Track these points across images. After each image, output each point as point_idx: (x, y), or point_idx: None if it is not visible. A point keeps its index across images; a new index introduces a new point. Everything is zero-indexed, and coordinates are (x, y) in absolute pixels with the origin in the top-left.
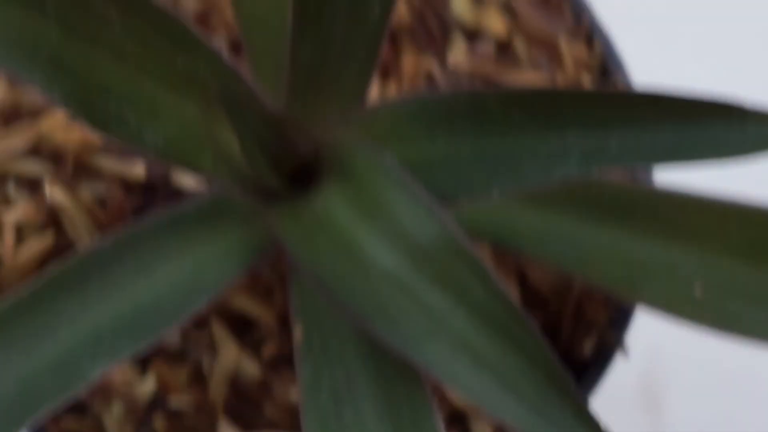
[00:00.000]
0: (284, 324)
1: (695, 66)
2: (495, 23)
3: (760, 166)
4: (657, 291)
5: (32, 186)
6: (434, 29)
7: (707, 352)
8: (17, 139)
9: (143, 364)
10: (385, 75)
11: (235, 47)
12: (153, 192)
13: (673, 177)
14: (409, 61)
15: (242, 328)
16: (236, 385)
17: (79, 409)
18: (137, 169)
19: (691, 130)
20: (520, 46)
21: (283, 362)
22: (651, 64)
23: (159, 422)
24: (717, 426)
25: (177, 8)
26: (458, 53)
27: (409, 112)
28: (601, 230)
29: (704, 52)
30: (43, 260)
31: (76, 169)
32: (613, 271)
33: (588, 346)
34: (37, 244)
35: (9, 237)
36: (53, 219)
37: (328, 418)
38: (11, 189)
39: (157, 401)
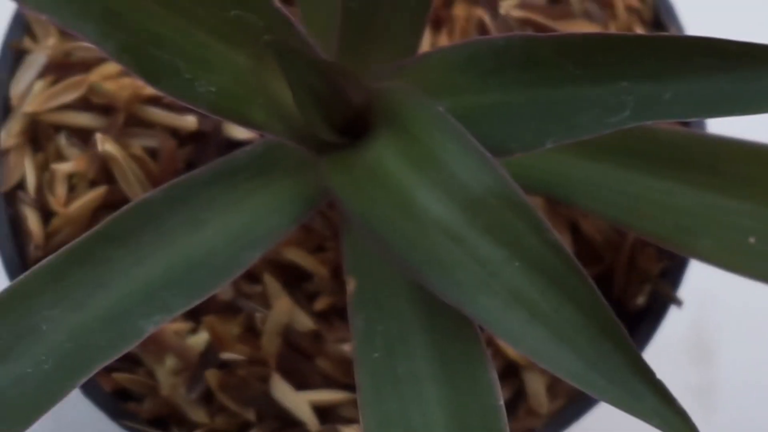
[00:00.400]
0: (337, 277)
1: (754, 20)
2: None
3: None
4: (711, 243)
5: (84, 138)
6: None
7: (761, 302)
8: (68, 92)
9: (196, 317)
10: (437, 25)
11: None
12: (205, 144)
13: (727, 124)
14: (460, 11)
15: (295, 281)
16: (289, 339)
17: (131, 362)
18: (189, 121)
19: (748, 79)
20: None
21: (335, 315)
22: (706, 17)
23: (211, 376)
24: None
25: None
26: (510, 2)
27: (461, 61)
28: (654, 181)
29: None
30: (96, 213)
31: (127, 121)
32: (666, 223)
33: (641, 298)
34: (89, 197)
35: (61, 189)
36: (105, 171)
37: (381, 371)
38: (63, 141)
39: (210, 355)
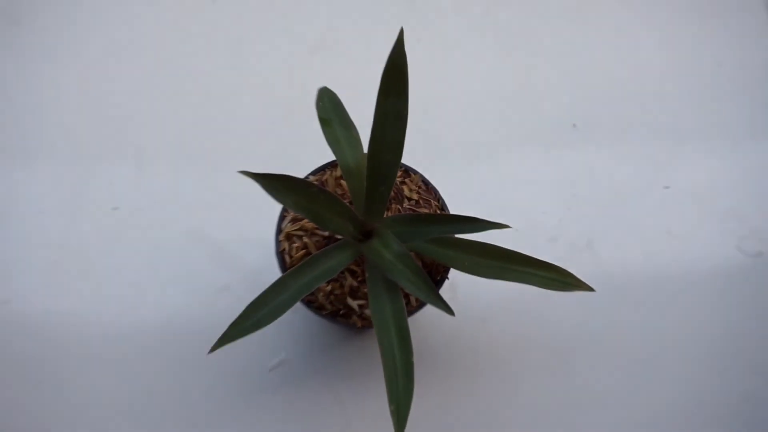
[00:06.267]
0: (363, 272)
1: (471, 207)
2: (415, 196)
3: (480, 234)
4: (460, 264)
5: (300, 238)
6: (399, 197)
7: (467, 278)
8: (296, 225)
9: (328, 282)
10: (388, 210)
11: (351, 203)
12: (330, 239)
13: (466, 236)
14: (394, 205)
15: (352, 273)
16: (351, 287)
17: (311, 294)
18: (327, 233)
19: (467, 225)
20: (422, 202)
21: (363, 282)
22: (458, 208)
23: (332, 296)
24: (477, 296)
25: (335, 192)
26: (405, 204)
27: (395, 219)
28: (444, 249)
29: (475, 206)
30: (302, 258)
31: (311, 234)
32: (447, 259)
33: (439, 278)
34: (301, 253)
35: (294, 251)
36: (305, 247)
37: (374, 297)
38: (294, 239)
39: (331, 292)
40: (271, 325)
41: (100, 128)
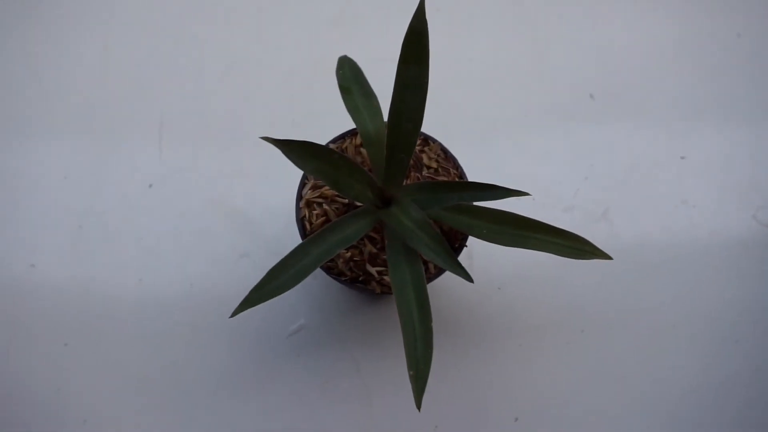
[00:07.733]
0: (383, 239)
1: (488, 177)
2: (434, 164)
3: (500, 201)
4: (476, 231)
5: (320, 205)
6: (419, 166)
7: (483, 245)
8: (316, 192)
9: (347, 249)
10: (407, 178)
11: (371, 170)
12: (350, 206)
13: (484, 204)
14: (413, 174)
15: (372, 240)
16: (370, 254)
17: (331, 261)
18: (347, 200)
19: (486, 192)
20: (441, 170)
21: (382, 249)
22: (476, 178)
23: (351, 263)
24: (494, 263)
25: (355, 159)
26: (425, 172)
27: (414, 187)
28: (462, 216)
29: (493, 176)
30: (322, 224)
31: (331, 201)
32: (465, 226)
33: (457, 244)
34: (320, 220)
35: (314, 218)
36: (325, 214)
37: (394, 264)
38: (314, 206)
39: (351, 258)
40: (291, 291)
41: (123, 99)
